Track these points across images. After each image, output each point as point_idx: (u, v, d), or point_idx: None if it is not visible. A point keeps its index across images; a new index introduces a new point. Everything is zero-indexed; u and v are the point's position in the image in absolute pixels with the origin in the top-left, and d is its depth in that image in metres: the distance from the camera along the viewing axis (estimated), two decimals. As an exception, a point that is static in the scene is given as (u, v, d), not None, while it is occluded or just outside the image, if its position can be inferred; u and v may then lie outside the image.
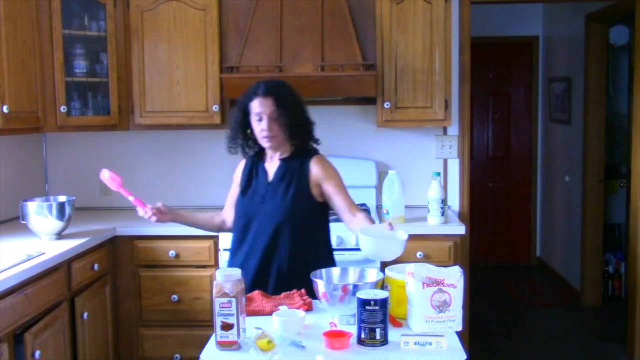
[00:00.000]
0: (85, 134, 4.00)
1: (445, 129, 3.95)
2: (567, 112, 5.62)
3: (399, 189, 3.43)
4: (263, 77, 3.35)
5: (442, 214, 3.44)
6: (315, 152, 2.55)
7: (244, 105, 2.47)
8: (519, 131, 6.62)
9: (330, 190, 2.48)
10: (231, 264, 2.55)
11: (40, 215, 3.05)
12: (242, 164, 2.66)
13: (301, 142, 2.51)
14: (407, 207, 3.49)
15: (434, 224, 3.44)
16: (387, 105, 3.56)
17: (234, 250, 2.57)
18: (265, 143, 2.47)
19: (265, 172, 2.54)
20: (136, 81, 3.63)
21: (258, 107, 2.42)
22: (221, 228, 2.74)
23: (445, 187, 3.83)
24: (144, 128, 3.74)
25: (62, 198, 3.23)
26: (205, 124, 3.67)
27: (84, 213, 3.79)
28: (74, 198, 3.24)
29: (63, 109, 3.43)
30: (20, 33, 3.14)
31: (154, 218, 2.54)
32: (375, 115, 3.65)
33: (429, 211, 3.45)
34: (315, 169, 2.49)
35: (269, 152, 2.54)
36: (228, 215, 2.69)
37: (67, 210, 3.13)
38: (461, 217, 3.91)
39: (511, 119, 6.63)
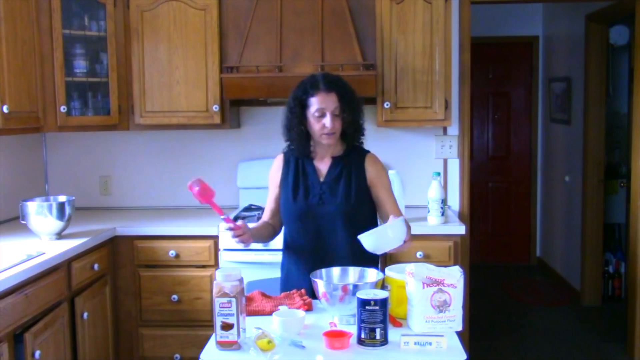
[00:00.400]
0: (85, 134, 4.00)
1: (445, 129, 3.95)
2: (567, 112, 5.62)
3: (399, 189, 3.43)
4: (262, 76, 3.39)
5: (442, 214, 3.44)
6: (366, 151, 2.49)
7: (301, 100, 2.35)
8: (519, 131, 6.62)
9: (382, 195, 2.43)
10: (289, 267, 2.46)
11: (40, 215, 3.05)
12: (277, 164, 2.51)
13: (356, 140, 2.44)
14: (407, 207, 3.49)
15: (434, 224, 3.44)
16: (387, 105, 3.56)
17: (293, 253, 2.45)
18: (325, 140, 2.36)
19: (315, 171, 2.43)
20: (136, 81, 3.63)
21: (321, 103, 2.31)
22: (275, 235, 2.57)
23: (445, 187, 3.83)
24: (144, 128, 3.74)
25: (62, 198, 3.23)
26: (205, 124, 3.67)
27: (84, 213, 3.79)
28: (74, 198, 3.23)
29: (63, 109, 3.43)
30: (20, 33, 3.14)
31: (241, 245, 2.31)
32: (375, 115, 3.65)
33: (429, 211, 3.45)
34: (370, 170, 2.43)
35: (319, 150, 2.43)
36: (274, 221, 2.53)
37: (67, 210, 3.13)
38: (461, 217, 3.91)
39: (511, 119, 6.63)
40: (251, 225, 2.42)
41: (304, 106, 2.35)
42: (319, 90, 2.32)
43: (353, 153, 2.45)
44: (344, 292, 1.94)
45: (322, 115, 2.32)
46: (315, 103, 2.32)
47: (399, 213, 2.41)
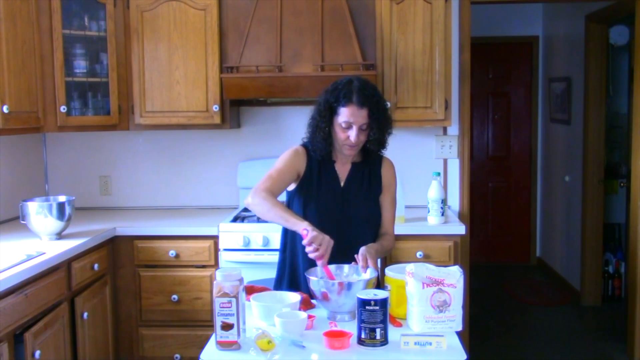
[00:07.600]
0: (85, 134, 4.00)
1: (445, 129, 3.95)
2: (567, 112, 5.62)
3: (399, 189, 3.41)
4: (262, 76, 3.38)
5: (442, 214, 3.44)
6: (382, 155, 2.47)
7: (331, 106, 2.29)
8: (519, 131, 6.62)
9: (385, 203, 2.46)
10: (294, 265, 2.40)
11: (40, 215, 3.05)
12: (301, 154, 2.39)
13: (377, 153, 2.42)
14: (407, 207, 3.49)
15: (434, 224, 3.44)
16: (387, 105, 3.54)
17: (301, 252, 2.32)
18: (346, 150, 2.34)
19: (335, 175, 2.40)
20: (136, 81, 3.63)
21: (350, 116, 2.25)
22: None
23: (445, 187, 3.83)
24: (144, 128, 3.74)
25: (62, 198, 3.23)
26: (205, 124, 3.67)
27: (84, 213, 3.79)
28: (74, 198, 3.23)
29: (63, 109, 3.43)
30: (20, 33, 3.14)
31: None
32: (375, 115, 3.65)
33: (429, 211, 3.45)
34: (386, 176, 2.46)
35: (340, 155, 2.40)
36: (274, 193, 2.30)
37: (67, 210, 3.13)
38: (461, 217, 3.91)
39: (511, 119, 6.63)
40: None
41: (333, 112, 2.30)
42: (351, 103, 2.25)
43: (371, 158, 2.44)
44: (340, 288, 1.94)
45: (349, 127, 2.27)
46: (344, 114, 2.26)
47: (391, 225, 2.46)
